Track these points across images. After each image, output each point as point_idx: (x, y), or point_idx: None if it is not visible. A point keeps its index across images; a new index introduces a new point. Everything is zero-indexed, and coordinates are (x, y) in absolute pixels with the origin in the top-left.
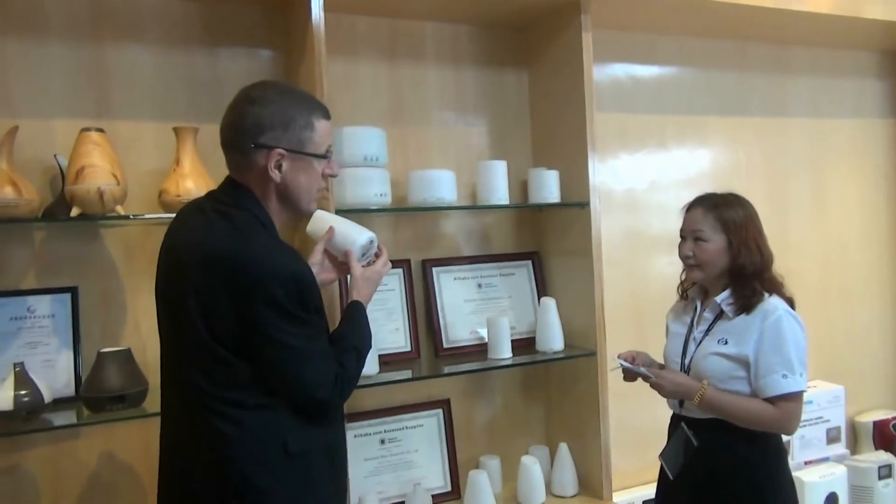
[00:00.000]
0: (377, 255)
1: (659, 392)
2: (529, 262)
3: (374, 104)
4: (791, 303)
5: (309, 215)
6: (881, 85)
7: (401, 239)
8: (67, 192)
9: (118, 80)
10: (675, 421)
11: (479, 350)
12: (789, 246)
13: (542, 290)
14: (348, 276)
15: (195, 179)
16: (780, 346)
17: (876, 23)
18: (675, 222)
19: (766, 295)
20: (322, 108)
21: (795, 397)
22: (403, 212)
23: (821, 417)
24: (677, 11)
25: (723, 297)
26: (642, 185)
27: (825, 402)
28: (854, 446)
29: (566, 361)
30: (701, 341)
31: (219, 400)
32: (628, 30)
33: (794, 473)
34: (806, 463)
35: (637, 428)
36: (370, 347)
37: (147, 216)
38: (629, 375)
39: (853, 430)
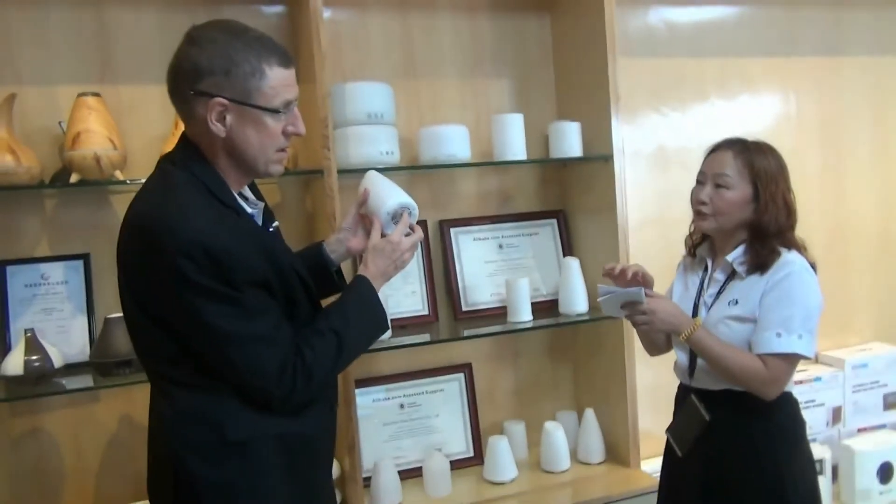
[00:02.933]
0: (412, 229)
1: (648, 324)
2: (554, 221)
3: (384, 58)
4: (813, 266)
5: (270, 176)
6: None
7: (416, 199)
8: (66, 158)
9: (120, 44)
10: (684, 392)
11: (500, 313)
12: (846, 198)
13: (567, 249)
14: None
15: None
16: (784, 302)
17: None
18: None
19: (784, 251)
20: (280, 53)
21: (787, 359)
22: (412, 170)
23: (877, 381)
24: None
25: (735, 256)
26: (679, 137)
27: (882, 365)
28: None
29: (592, 324)
30: (712, 305)
31: (156, 375)
32: None
33: (846, 441)
34: (859, 430)
35: (671, 390)
36: (369, 332)
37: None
38: (619, 304)
39: None
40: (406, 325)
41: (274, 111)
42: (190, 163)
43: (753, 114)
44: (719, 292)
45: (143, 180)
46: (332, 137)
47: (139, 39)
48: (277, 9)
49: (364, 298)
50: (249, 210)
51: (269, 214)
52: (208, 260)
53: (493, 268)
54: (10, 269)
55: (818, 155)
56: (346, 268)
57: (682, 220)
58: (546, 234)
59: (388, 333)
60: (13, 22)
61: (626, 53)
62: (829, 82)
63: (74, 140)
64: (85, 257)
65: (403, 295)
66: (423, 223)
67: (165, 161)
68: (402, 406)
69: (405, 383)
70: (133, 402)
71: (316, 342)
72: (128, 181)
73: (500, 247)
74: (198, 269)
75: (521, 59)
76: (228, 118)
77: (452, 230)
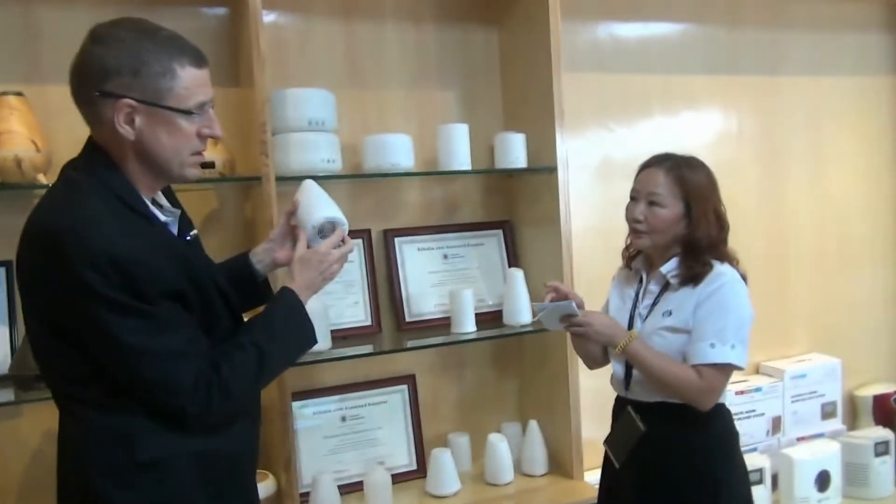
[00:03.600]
0: (343, 241)
1: (584, 334)
2: (500, 232)
3: (329, 66)
4: (744, 278)
5: (186, 181)
6: (886, 38)
7: (360, 208)
8: None
9: (49, 43)
10: (620, 404)
11: (445, 324)
12: (785, 211)
13: (513, 260)
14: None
15: None
16: (716, 313)
17: None
18: None
19: (717, 263)
20: (192, 52)
21: (721, 370)
22: (355, 179)
23: (815, 392)
24: None
25: (669, 268)
26: (624, 150)
27: (820, 375)
28: (852, 422)
29: (537, 335)
30: (647, 317)
31: (62, 395)
32: None
33: (784, 450)
34: (798, 439)
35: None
36: (295, 346)
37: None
38: (557, 317)
39: (852, 405)
40: (348, 335)
41: (187, 112)
42: (96, 168)
43: (696, 129)
44: (654, 304)
45: None
46: (271, 143)
47: (69, 39)
48: (219, 11)
49: (289, 311)
50: (163, 218)
51: (186, 222)
52: (116, 271)
53: (438, 278)
54: None
55: (757, 170)
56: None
57: (624, 230)
58: (492, 244)
59: (327, 345)
60: None
61: (573, 68)
62: (769, 100)
63: None
64: (6, 264)
65: (346, 305)
66: (366, 232)
67: (70, 167)
68: (343, 418)
69: (347, 395)
70: (57, 417)
71: (235, 356)
72: (50, 185)
73: (445, 257)
74: (105, 280)
75: (468, 71)
76: (137, 120)
77: (397, 240)
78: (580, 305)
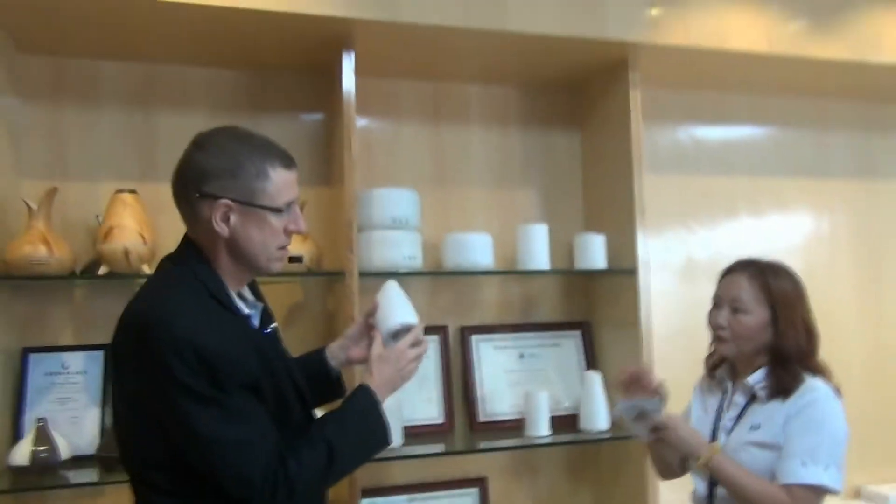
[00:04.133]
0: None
1: (665, 438)
2: (578, 333)
3: (415, 166)
4: (837, 392)
5: (270, 273)
6: None
7: (439, 305)
8: (97, 250)
9: (165, 145)
10: None
11: (519, 425)
12: (884, 322)
13: (591, 362)
14: None
15: None
16: (809, 430)
17: None
18: None
19: (808, 376)
20: (282, 156)
21: (813, 491)
22: (435, 276)
23: None
24: (741, 67)
25: (756, 379)
26: (707, 251)
27: None
28: None
29: (615, 443)
30: (732, 430)
31: (137, 479)
32: (690, 88)
33: None
34: None
35: None
36: (367, 445)
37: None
38: (636, 416)
39: None
40: (420, 432)
41: (277, 210)
42: (189, 262)
43: (784, 232)
44: (739, 416)
45: None
46: (356, 240)
47: (183, 141)
48: (316, 116)
49: (364, 409)
50: (246, 310)
51: (267, 315)
52: (197, 360)
53: (514, 378)
54: (32, 356)
55: (853, 276)
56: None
57: (707, 334)
58: (569, 345)
59: (399, 442)
60: (66, 120)
61: (654, 169)
62: (863, 203)
63: (107, 234)
64: (106, 348)
65: (419, 401)
66: (443, 329)
67: (166, 260)
68: None
69: (417, 495)
70: None
71: (304, 452)
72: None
73: (522, 356)
74: (186, 368)
75: (550, 172)
76: (233, 218)
77: (473, 337)
78: (663, 397)
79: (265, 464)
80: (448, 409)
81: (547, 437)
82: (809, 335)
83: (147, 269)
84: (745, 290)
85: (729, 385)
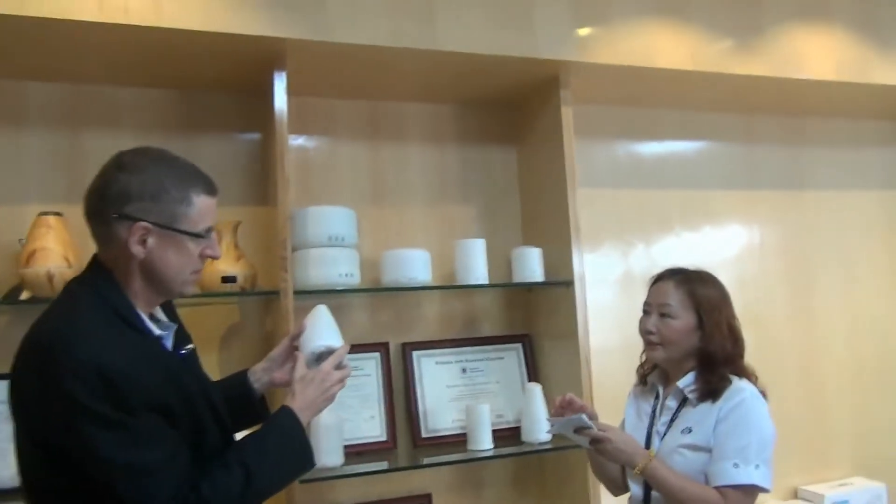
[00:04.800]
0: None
1: (601, 449)
2: (520, 345)
3: (353, 184)
4: (763, 395)
5: (182, 296)
6: None
7: (379, 321)
8: (20, 274)
9: (92, 167)
10: None
11: (462, 440)
12: (815, 327)
13: (532, 375)
14: None
15: None
16: (738, 431)
17: (888, 88)
18: None
19: (735, 379)
20: (206, 182)
21: (746, 491)
22: (374, 293)
23: None
24: (669, 84)
25: (686, 383)
26: (644, 264)
27: (863, 501)
28: None
29: (557, 453)
30: (665, 434)
31: None
32: (623, 105)
33: None
34: None
35: None
36: (288, 467)
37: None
38: (571, 431)
39: None
40: (363, 451)
41: (197, 236)
42: (96, 284)
43: (717, 243)
44: (672, 420)
45: None
46: (290, 259)
47: None
48: (253, 136)
49: (285, 430)
50: (157, 332)
51: (183, 337)
52: (100, 382)
53: (456, 392)
54: None
55: (785, 286)
56: None
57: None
58: (511, 358)
59: (340, 461)
60: None
61: (590, 184)
62: (792, 215)
63: (29, 257)
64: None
65: (361, 420)
66: (384, 345)
67: (72, 282)
68: None
69: None
70: None
71: (218, 476)
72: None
73: (464, 371)
74: (89, 391)
75: (488, 188)
76: (150, 241)
77: (415, 353)
78: (592, 418)
79: (174, 488)
80: (391, 427)
81: (490, 450)
82: (735, 339)
83: None
84: (673, 295)
85: (660, 390)
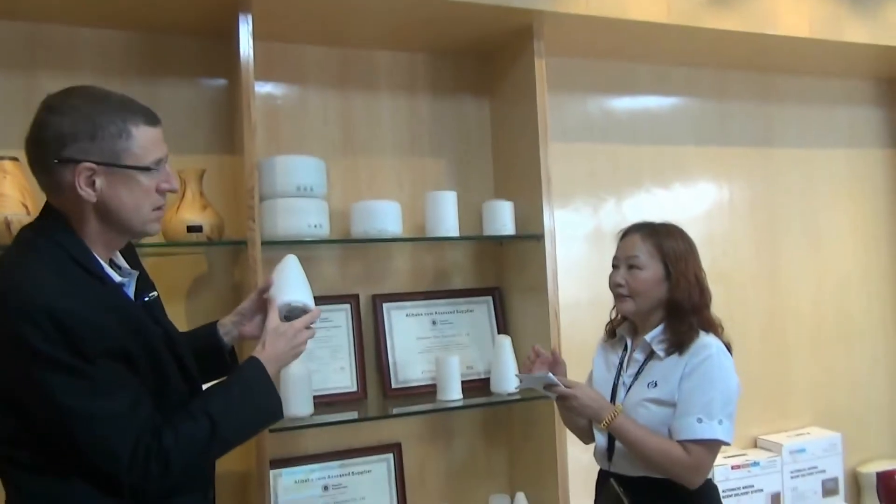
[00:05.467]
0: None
1: (567, 405)
2: (490, 298)
3: (322, 134)
4: (728, 347)
5: (146, 235)
6: (877, 113)
7: (349, 273)
8: None
9: None
10: (604, 477)
11: (432, 391)
12: (780, 283)
13: (502, 327)
14: None
15: None
16: (703, 387)
17: (860, 46)
18: None
19: (702, 333)
20: (144, 112)
21: (708, 446)
22: (344, 244)
23: (815, 467)
24: (643, 37)
25: (653, 335)
26: (615, 220)
27: (820, 450)
28: (856, 500)
29: (525, 404)
30: (630, 386)
31: (4, 459)
32: (597, 58)
33: None
34: None
35: None
36: (255, 418)
37: None
38: (540, 386)
39: (854, 483)
40: (333, 401)
41: (145, 169)
42: (51, 230)
43: (688, 200)
44: (638, 372)
45: None
46: (258, 209)
47: None
48: (219, 82)
49: (252, 381)
50: (118, 279)
51: (145, 284)
52: (55, 326)
53: (426, 344)
54: None
55: (752, 241)
56: None
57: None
58: (481, 311)
59: (309, 411)
60: None
61: (563, 138)
62: (761, 172)
63: None
64: None
65: (331, 371)
66: (354, 297)
67: (26, 229)
68: (325, 488)
69: (330, 463)
70: None
71: (182, 425)
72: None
73: (434, 323)
74: (43, 336)
75: (460, 140)
76: (98, 182)
77: (385, 305)
78: (558, 363)
79: (134, 437)
80: (361, 377)
81: (459, 400)
82: (701, 290)
83: None
84: (640, 248)
85: (629, 342)
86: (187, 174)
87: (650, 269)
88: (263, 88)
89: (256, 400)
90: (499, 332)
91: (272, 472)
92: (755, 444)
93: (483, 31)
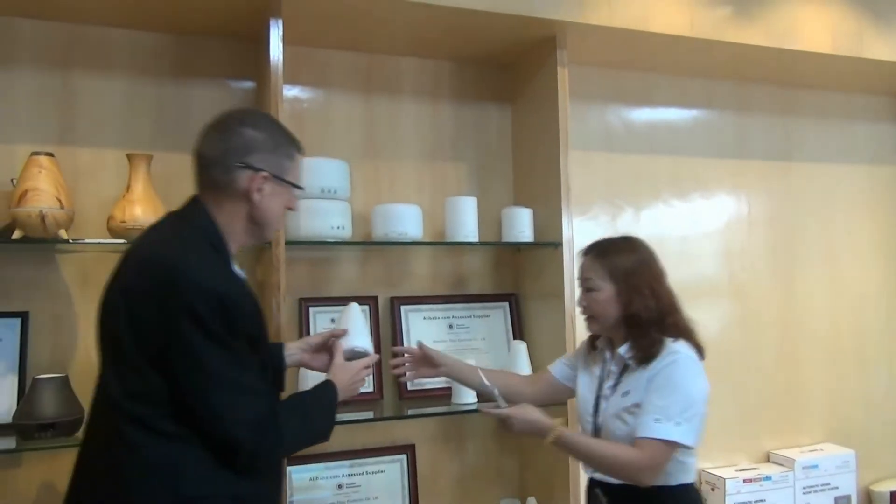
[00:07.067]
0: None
1: (508, 427)
2: (506, 304)
3: (347, 137)
4: (700, 350)
5: (266, 241)
6: None
7: (368, 275)
8: (10, 214)
9: (84, 108)
10: (591, 485)
11: (447, 394)
12: (797, 298)
13: (518, 333)
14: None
15: (144, 206)
16: (663, 390)
17: (882, 63)
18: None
19: (671, 341)
20: (299, 143)
21: (663, 446)
22: (365, 246)
23: (828, 484)
24: (665, 50)
25: (625, 348)
26: (632, 230)
27: (833, 467)
28: None
29: (538, 409)
30: (609, 398)
31: (126, 415)
32: (619, 69)
33: None
34: None
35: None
36: (321, 429)
37: (87, 241)
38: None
39: (868, 501)
40: (349, 401)
41: (299, 187)
42: (201, 222)
43: (705, 211)
44: (615, 385)
45: (86, 240)
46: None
47: (103, 105)
48: (247, 84)
49: (329, 401)
50: (241, 274)
51: None
52: (220, 305)
53: (443, 347)
54: None
55: (769, 255)
56: None
57: None
58: (497, 316)
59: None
60: None
61: (583, 147)
62: (780, 185)
63: (21, 197)
64: (23, 315)
65: None
66: (373, 299)
67: (174, 216)
68: (339, 486)
69: (345, 462)
70: (56, 468)
71: (287, 412)
72: (70, 240)
73: (451, 327)
74: (210, 311)
75: (481, 146)
76: (266, 189)
77: (403, 308)
78: (439, 360)
79: (261, 408)
80: (377, 378)
81: (473, 404)
82: (658, 299)
83: (64, 234)
84: (591, 269)
85: (608, 355)
86: None
87: (604, 290)
88: (290, 91)
89: (323, 412)
90: (514, 338)
91: (287, 469)
92: (768, 459)
93: (507, 40)
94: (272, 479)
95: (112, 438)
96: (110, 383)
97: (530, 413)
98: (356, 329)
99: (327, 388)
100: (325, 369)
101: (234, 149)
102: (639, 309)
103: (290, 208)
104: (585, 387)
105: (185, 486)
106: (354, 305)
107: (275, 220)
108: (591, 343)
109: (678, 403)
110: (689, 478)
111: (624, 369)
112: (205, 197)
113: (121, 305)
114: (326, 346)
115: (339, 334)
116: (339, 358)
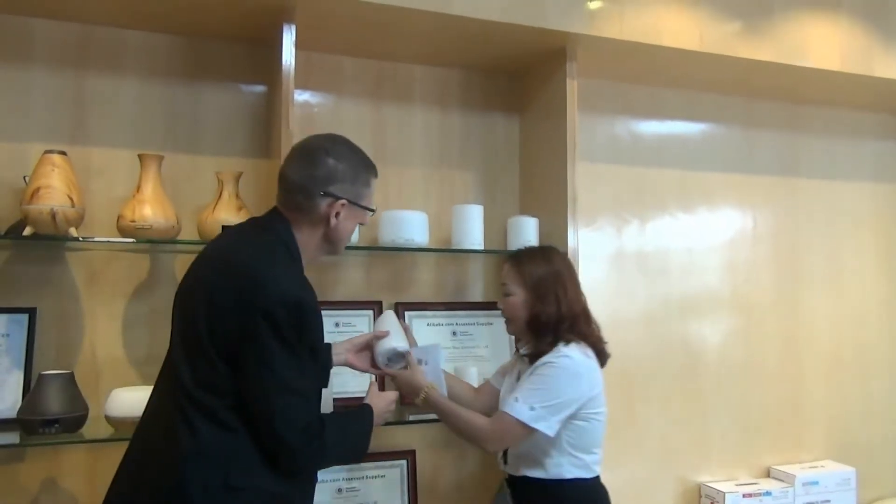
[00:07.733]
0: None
1: (396, 383)
2: None
3: (356, 143)
4: (602, 356)
5: (336, 255)
6: None
7: (374, 280)
8: (22, 211)
9: (97, 108)
10: (505, 479)
11: None
12: (800, 313)
13: None
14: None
15: (154, 206)
16: (536, 382)
17: (890, 82)
18: (665, 285)
19: (563, 344)
20: (375, 169)
21: (513, 422)
22: (371, 251)
23: (828, 501)
24: (675, 64)
25: (525, 349)
26: (638, 242)
27: (833, 484)
28: None
29: None
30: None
31: (194, 402)
32: (628, 82)
33: None
34: None
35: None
36: (359, 449)
37: (97, 239)
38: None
39: None
40: (352, 405)
41: (371, 210)
42: (283, 234)
43: (712, 226)
44: (517, 381)
45: (99, 239)
46: None
47: (116, 106)
48: (259, 88)
49: (365, 426)
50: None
51: None
52: (297, 313)
53: (446, 354)
54: None
55: (773, 270)
56: None
57: (635, 320)
58: (501, 324)
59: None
60: None
61: (590, 159)
62: (786, 201)
63: (33, 195)
64: (31, 311)
65: (351, 374)
66: (377, 304)
67: (255, 225)
68: (339, 490)
69: (345, 466)
70: (59, 464)
71: (331, 424)
72: (80, 238)
73: (454, 334)
74: (288, 318)
75: (489, 155)
76: (343, 213)
77: (407, 313)
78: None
79: (312, 416)
80: (380, 383)
81: None
82: (561, 307)
83: (75, 233)
84: (508, 275)
85: (523, 357)
86: (224, 176)
87: (517, 295)
88: (301, 96)
89: (361, 443)
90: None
91: None
92: (768, 474)
93: (517, 50)
94: (306, 486)
95: (176, 421)
96: (182, 371)
97: (413, 376)
98: (395, 332)
99: (367, 412)
100: (367, 369)
101: (318, 178)
102: (540, 313)
103: (362, 223)
104: (506, 387)
105: (234, 475)
106: (390, 312)
107: (347, 238)
108: (517, 349)
109: (541, 393)
110: (585, 473)
111: (526, 367)
112: (286, 212)
113: (201, 299)
114: (368, 346)
115: (382, 335)
116: (374, 388)
